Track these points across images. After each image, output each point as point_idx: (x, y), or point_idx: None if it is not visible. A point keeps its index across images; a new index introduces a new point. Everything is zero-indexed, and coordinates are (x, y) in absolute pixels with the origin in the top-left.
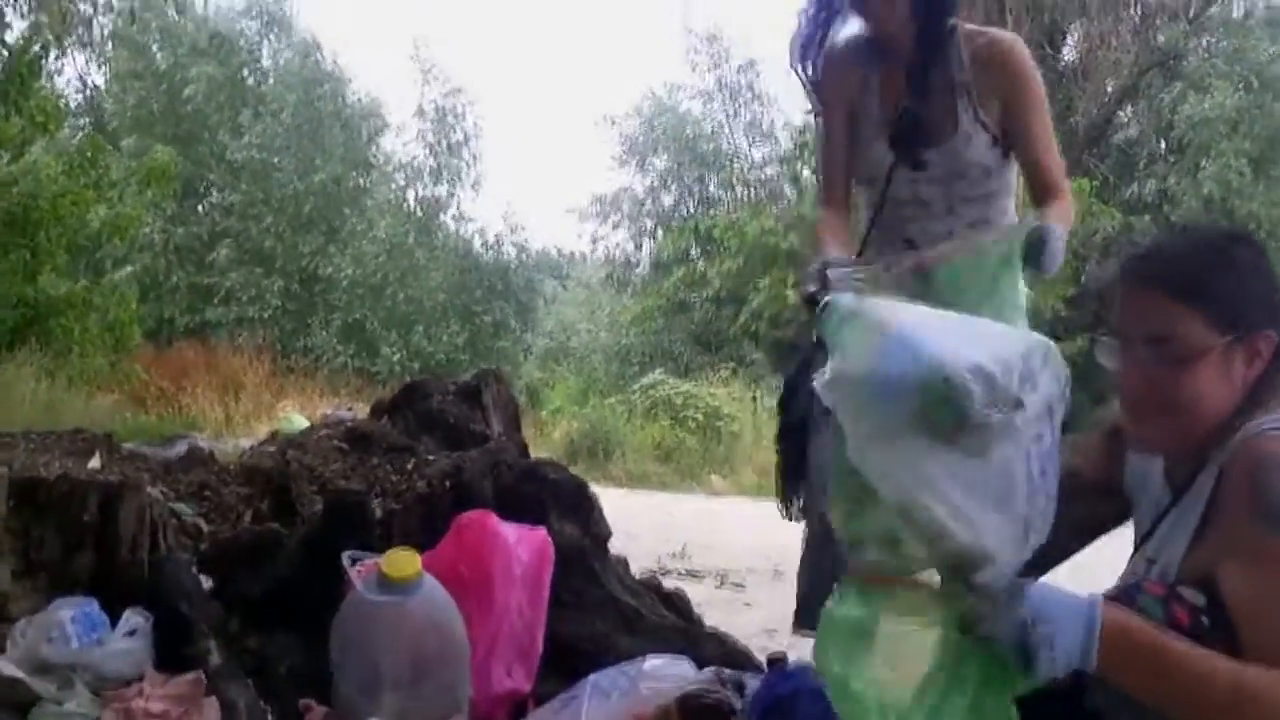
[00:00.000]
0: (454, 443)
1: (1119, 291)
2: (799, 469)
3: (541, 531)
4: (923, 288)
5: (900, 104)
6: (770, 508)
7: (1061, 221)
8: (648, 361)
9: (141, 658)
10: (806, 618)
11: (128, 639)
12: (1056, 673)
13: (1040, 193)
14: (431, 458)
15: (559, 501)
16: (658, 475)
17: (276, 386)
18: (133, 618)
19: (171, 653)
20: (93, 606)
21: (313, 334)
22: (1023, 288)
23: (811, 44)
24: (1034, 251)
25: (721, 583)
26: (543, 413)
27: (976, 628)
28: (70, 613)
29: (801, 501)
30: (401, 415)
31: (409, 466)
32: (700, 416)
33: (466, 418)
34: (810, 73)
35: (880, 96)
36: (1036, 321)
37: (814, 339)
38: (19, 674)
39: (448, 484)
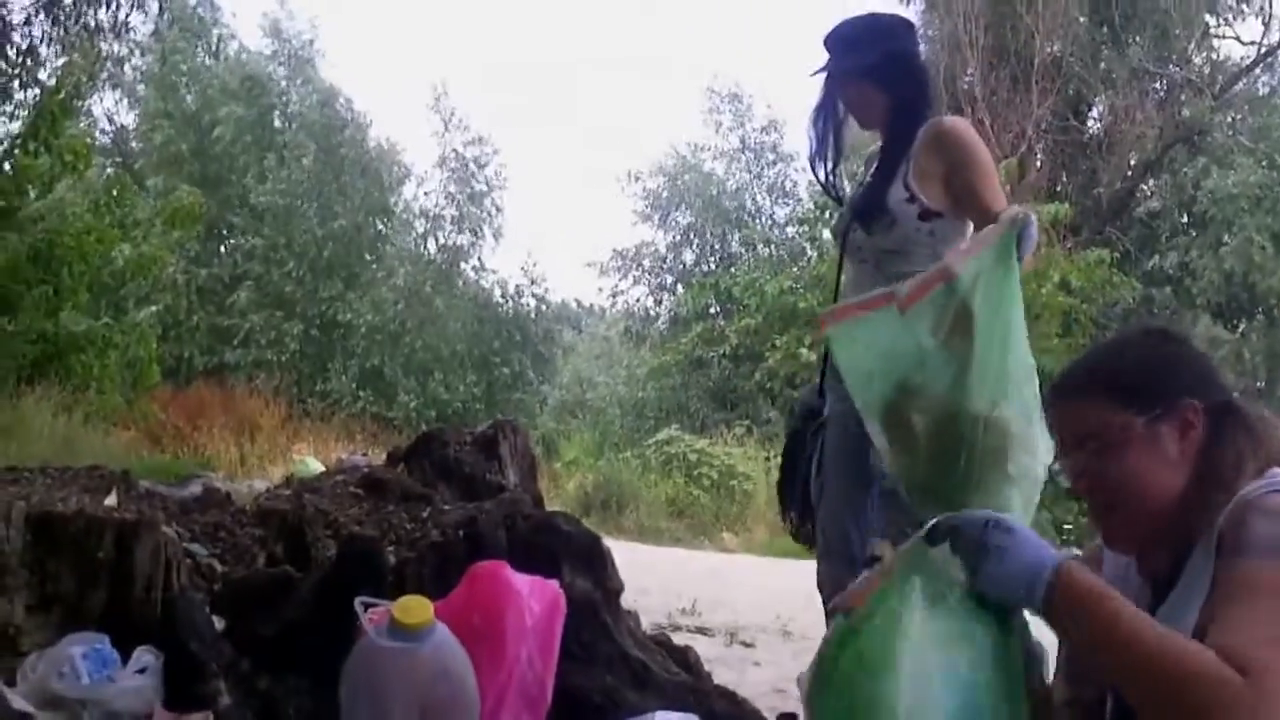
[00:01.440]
0: (469, 492)
1: (1049, 419)
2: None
3: (554, 583)
4: (947, 300)
5: (862, 178)
6: (782, 567)
7: None
8: (663, 417)
9: (151, 696)
10: None
11: (138, 676)
12: (999, 594)
13: None
14: (447, 507)
15: (572, 554)
16: (670, 531)
17: (292, 430)
18: (144, 655)
19: (181, 692)
20: (104, 643)
21: (330, 379)
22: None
23: (824, 150)
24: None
25: (731, 640)
26: (557, 465)
27: (942, 523)
28: (82, 648)
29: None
30: (418, 463)
31: (424, 515)
32: (714, 474)
33: (483, 468)
34: (824, 176)
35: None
36: None
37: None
38: (29, 708)
39: (462, 534)
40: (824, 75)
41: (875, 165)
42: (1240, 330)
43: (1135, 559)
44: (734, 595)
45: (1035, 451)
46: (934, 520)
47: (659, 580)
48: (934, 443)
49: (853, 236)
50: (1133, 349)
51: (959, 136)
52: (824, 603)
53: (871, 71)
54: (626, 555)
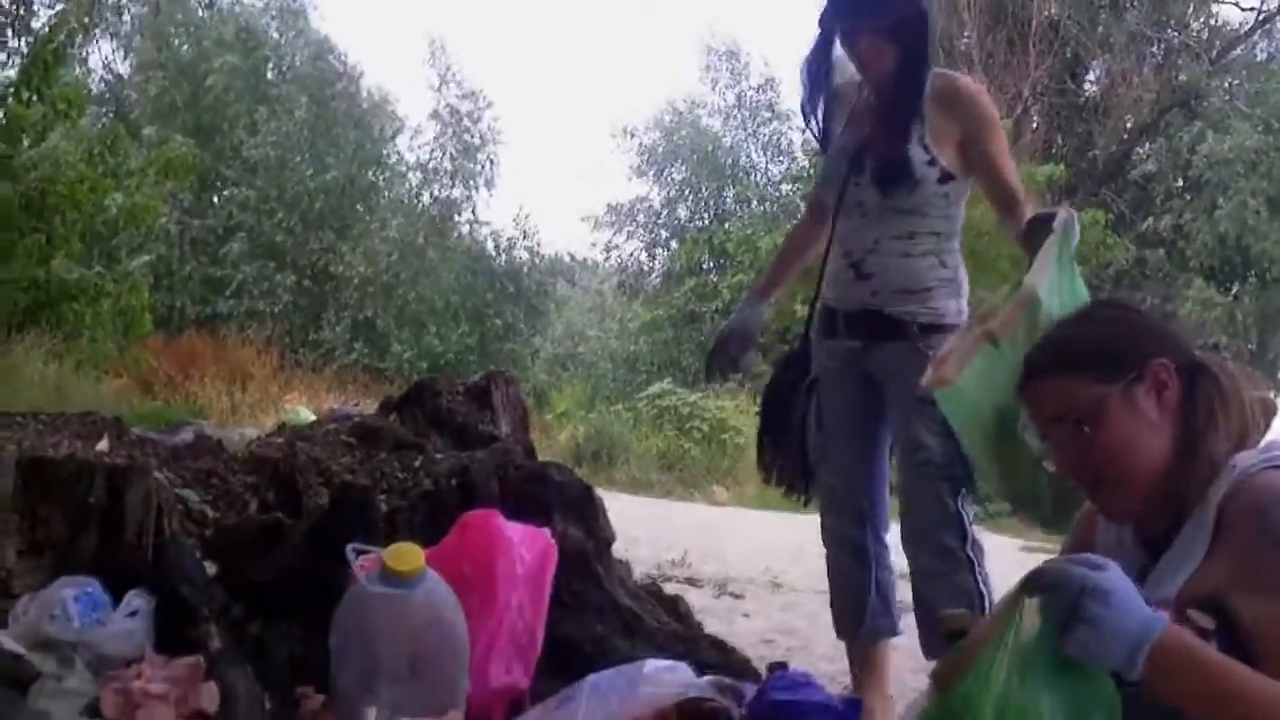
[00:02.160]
0: (462, 442)
1: (1021, 403)
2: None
3: (545, 532)
4: (1034, 321)
5: (865, 128)
6: (772, 520)
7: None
8: (655, 371)
9: (142, 639)
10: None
11: (129, 620)
12: (1088, 657)
13: (1007, 202)
14: (439, 456)
15: (564, 504)
16: (661, 483)
17: (284, 380)
18: (135, 599)
19: (172, 635)
20: (95, 586)
21: (323, 330)
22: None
23: (816, 98)
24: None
25: (720, 592)
26: (549, 417)
27: (1039, 577)
28: (73, 592)
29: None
30: (410, 413)
31: (416, 464)
32: (705, 427)
33: (475, 418)
34: (816, 125)
35: (853, 113)
36: None
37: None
38: (20, 650)
39: (454, 483)
40: (824, 24)
41: (877, 119)
42: (1233, 293)
43: (1133, 527)
44: (724, 547)
45: None
46: (1032, 571)
47: (649, 532)
48: None
49: (854, 190)
50: (1095, 322)
51: (975, 100)
52: (828, 559)
53: (892, 28)
54: (617, 507)
